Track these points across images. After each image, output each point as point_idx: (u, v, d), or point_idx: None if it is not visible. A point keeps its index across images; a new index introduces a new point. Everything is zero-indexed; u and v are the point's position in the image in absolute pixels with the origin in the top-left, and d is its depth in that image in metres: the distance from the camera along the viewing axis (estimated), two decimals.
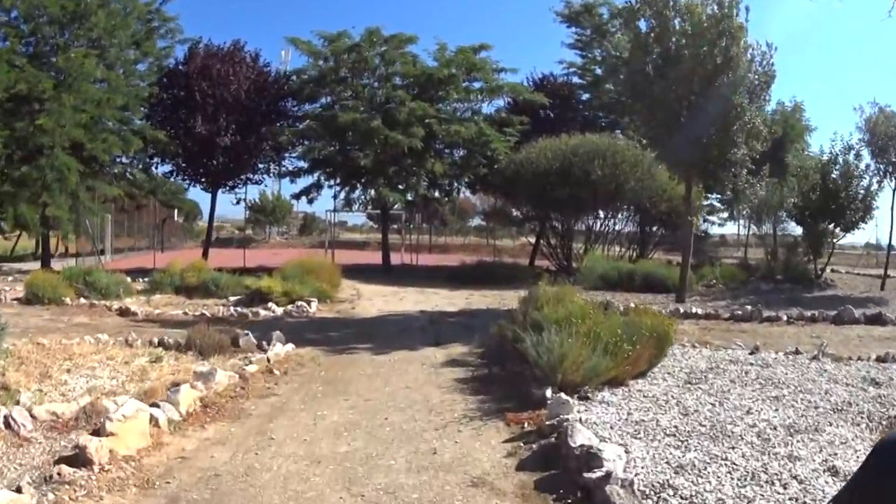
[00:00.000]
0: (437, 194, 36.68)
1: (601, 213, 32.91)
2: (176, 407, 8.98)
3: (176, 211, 59.34)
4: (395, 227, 53.49)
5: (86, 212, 29.09)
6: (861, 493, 2.10)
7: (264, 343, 13.73)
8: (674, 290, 23.39)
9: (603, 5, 37.05)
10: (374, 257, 39.05)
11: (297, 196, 37.05)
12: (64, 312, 18.82)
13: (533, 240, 39.04)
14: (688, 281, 22.98)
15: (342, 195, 35.16)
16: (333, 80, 33.37)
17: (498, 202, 39.70)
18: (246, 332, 14.20)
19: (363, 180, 33.32)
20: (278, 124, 33.33)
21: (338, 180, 34.30)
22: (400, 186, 32.98)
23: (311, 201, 34.98)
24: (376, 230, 65.62)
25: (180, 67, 33.27)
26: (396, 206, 38.30)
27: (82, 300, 20.53)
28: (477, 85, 34.59)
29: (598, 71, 38.05)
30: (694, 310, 19.70)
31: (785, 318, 19.12)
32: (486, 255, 45.98)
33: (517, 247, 52.94)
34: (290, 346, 13.90)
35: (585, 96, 39.36)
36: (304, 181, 35.23)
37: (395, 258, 39.92)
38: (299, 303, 19.93)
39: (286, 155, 36.00)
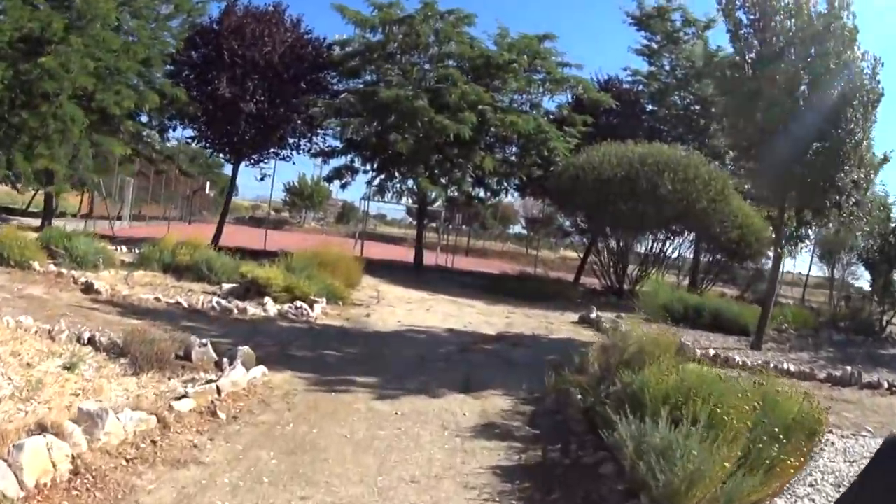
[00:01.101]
0: (482, 193, 32.16)
1: (661, 234, 28.46)
2: (17, 473, 5.21)
3: (208, 184, 55.69)
4: (434, 224, 49.84)
5: (85, 169, 24.97)
6: (868, 484, 2.52)
7: (225, 361, 9.27)
8: (747, 332, 19.21)
9: (677, 10, 32.58)
10: (408, 254, 35.00)
11: (328, 179, 32.01)
12: (23, 279, 15.20)
13: (581, 254, 34.59)
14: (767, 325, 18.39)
15: (376, 182, 30.43)
16: (380, 56, 29.03)
17: (547, 209, 35.17)
18: (204, 341, 9.91)
19: (402, 168, 28.62)
20: (312, 96, 28.70)
21: (375, 165, 29.77)
22: (442, 180, 28.57)
23: (343, 186, 30.67)
24: (414, 226, 61.87)
25: (214, 26, 28.96)
26: (437, 203, 34.64)
27: (52, 267, 16.78)
28: (538, 76, 30.05)
29: (667, 79, 33.53)
30: (785, 364, 15.17)
31: (886, 384, 14.82)
32: (526, 265, 42.12)
33: (557, 259, 48.87)
34: (261, 369, 9.57)
35: (650, 107, 34.69)
36: (337, 163, 30.77)
37: (430, 258, 35.80)
38: (299, 303, 15.42)
39: (319, 131, 31.31)
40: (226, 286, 16.89)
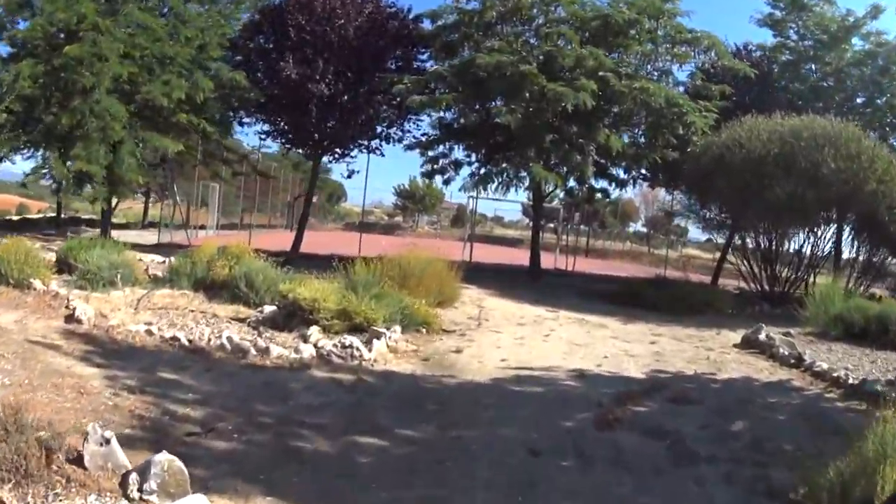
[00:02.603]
0: (606, 185, 26.20)
1: (817, 226, 22.09)
2: None
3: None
4: (552, 225, 45.78)
5: (128, 170, 20.81)
6: None
7: (133, 477, 4.35)
8: None
9: None
10: (524, 258, 29.29)
11: (427, 175, 25.97)
12: (8, 303, 11.42)
13: (719, 252, 29.30)
14: None
15: (481, 171, 23.99)
16: (478, 27, 23.02)
17: (684, 199, 29.18)
18: (107, 434, 5.06)
19: (509, 153, 22.70)
20: (397, 75, 22.80)
21: (482, 153, 24.08)
22: (560, 170, 22.65)
23: (446, 182, 24.90)
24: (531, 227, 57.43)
25: (280, 4, 24.01)
26: (555, 200, 30.16)
27: (54, 285, 12.82)
28: (663, 39, 23.69)
29: (798, 50, 27.83)
30: None
31: None
32: (648, 265, 40.69)
33: (683, 259, 42.99)
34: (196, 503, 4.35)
35: (783, 82, 28.50)
36: (435, 155, 24.98)
37: (547, 260, 30.27)
38: (349, 339, 10.07)
39: (411, 117, 25.57)
40: (268, 309, 11.98)
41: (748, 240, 22.78)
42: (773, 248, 21.79)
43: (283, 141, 26.52)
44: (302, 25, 22.24)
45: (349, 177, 27.99)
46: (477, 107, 22.49)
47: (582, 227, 48.75)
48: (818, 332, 14.99)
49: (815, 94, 26.47)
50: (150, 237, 28.00)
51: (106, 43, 19.24)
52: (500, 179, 23.08)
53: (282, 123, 25.30)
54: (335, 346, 9.73)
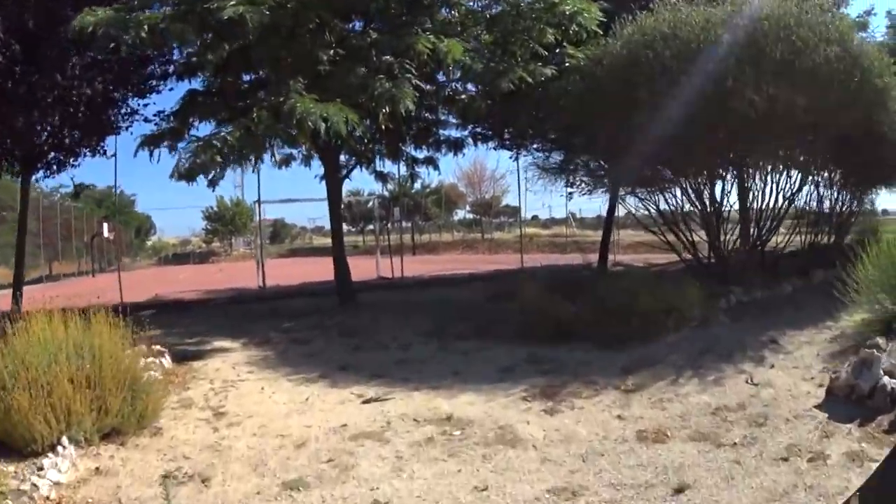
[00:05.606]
0: (434, 154, 16.93)
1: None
2: None
3: (106, 226, 42.50)
4: (371, 227, 41.51)
5: None
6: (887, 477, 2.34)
7: None
8: None
9: None
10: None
11: (185, 176, 11.73)
12: None
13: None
14: None
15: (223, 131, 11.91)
16: None
17: (528, 160, 19.69)
18: None
19: (266, 92, 11.91)
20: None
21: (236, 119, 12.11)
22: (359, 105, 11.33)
23: (212, 183, 14.10)
24: (353, 233, 52.25)
25: None
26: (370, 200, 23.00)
27: None
28: None
29: None
30: None
31: None
32: (487, 253, 37.76)
33: (514, 240, 37.99)
34: None
35: None
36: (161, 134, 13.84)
37: (368, 268, 21.62)
38: None
39: (142, 88, 15.16)
40: None
41: (670, 195, 13.81)
42: (719, 200, 12.91)
43: None
44: None
45: (76, 196, 18.09)
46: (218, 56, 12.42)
47: (404, 223, 42.31)
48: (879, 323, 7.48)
49: None
50: None
51: None
52: (238, 135, 11.41)
53: None
54: None
